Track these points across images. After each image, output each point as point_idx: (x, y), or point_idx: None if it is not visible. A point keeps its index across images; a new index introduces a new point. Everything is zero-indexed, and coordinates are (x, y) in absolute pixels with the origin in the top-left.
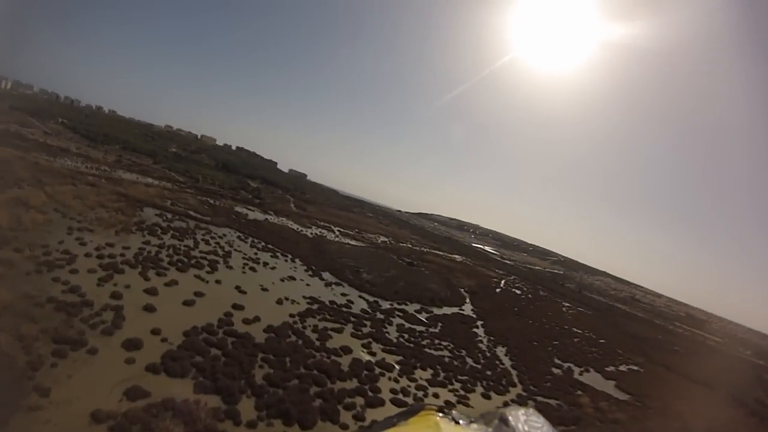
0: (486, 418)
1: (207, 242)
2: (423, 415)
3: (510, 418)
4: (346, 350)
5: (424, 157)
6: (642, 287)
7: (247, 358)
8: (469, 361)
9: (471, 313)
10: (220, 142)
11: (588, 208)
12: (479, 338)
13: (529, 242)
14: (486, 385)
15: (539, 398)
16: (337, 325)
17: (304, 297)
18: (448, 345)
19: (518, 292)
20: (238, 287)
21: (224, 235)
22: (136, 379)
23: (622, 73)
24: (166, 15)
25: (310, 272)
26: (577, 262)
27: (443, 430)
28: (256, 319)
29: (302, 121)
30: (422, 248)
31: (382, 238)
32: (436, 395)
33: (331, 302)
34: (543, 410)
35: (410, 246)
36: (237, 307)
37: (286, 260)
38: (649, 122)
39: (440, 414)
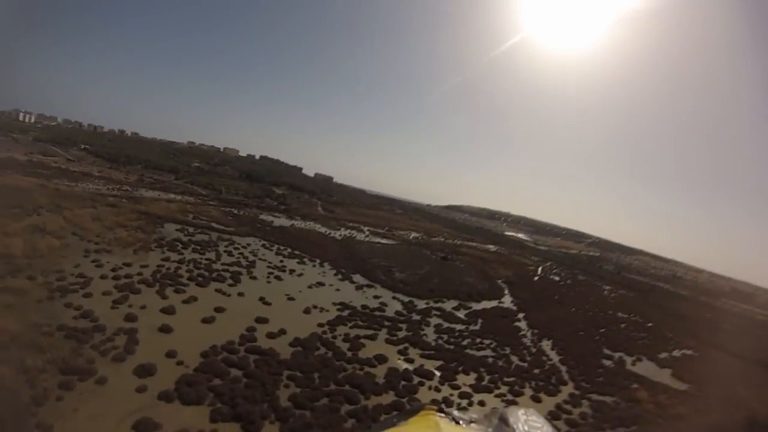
0: (486, 418)
1: (230, 253)
2: (423, 415)
3: (510, 418)
4: (381, 359)
5: (448, 150)
6: (681, 263)
7: (271, 378)
8: (515, 359)
9: (511, 306)
10: (243, 153)
11: (619, 186)
12: (522, 332)
13: (562, 226)
14: (535, 385)
15: (593, 396)
16: (371, 332)
17: (334, 303)
18: (491, 343)
19: (557, 278)
20: (262, 299)
21: (248, 244)
22: (148, 409)
23: (650, 39)
24: (181, 33)
25: (340, 276)
26: (612, 242)
27: (443, 430)
28: (282, 332)
29: (325, 124)
30: (455, 241)
31: (414, 234)
32: (482, 403)
33: (363, 307)
34: (599, 410)
35: (443, 240)
36: (261, 320)
37: (313, 265)
38: (686, 88)
39: (440, 414)
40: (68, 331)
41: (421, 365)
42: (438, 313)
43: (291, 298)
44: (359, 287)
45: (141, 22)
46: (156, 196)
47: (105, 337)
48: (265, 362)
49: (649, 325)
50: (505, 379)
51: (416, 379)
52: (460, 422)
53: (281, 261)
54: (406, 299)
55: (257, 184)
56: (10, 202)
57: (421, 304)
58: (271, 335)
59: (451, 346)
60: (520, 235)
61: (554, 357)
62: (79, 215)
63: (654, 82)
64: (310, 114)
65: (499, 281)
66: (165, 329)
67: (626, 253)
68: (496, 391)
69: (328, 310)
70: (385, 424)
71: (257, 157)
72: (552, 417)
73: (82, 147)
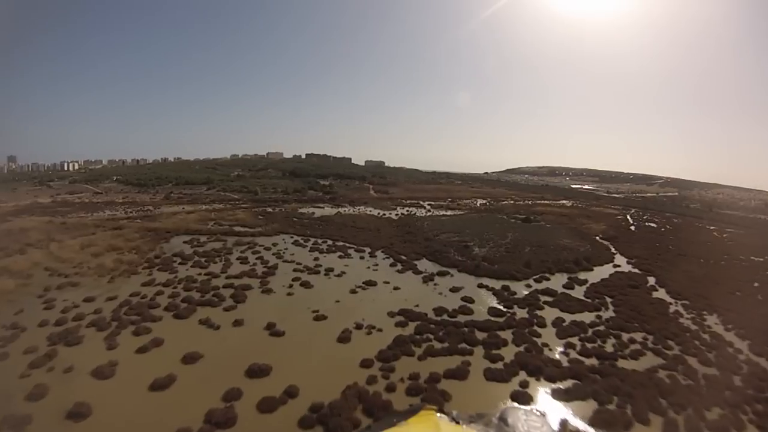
0: (486, 418)
1: (244, 260)
2: (423, 414)
3: (510, 417)
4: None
5: (495, 116)
6: (765, 191)
7: None
8: (693, 362)
9: (632, 268)
10: (288, 155)
11: (676, 121)
12: (671, 308)
13: (627, 172)
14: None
15: None
16: (455, 360)
17: (391, 314)
18: (644, 338)
19: (653, 225)
20: (270, 327)
21: (274, 245)
22: None
23: None
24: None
25: (399, 266)
26: (684, 180)
27: (443, 429)
28: (289, 394)
29: (371, 108)
30: (526, 201)
31: (480, 201)
32: None
33: (438, 311)
34: None
35: (513, 202)
36: (256, 372)
37: (361, 257)
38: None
39: (440, 414)
40: None
41: (564, 422)
42: (548, 298)
43: (320, 317)
44: (428, 278)
45: (178, 58)
46: (178, 210)
47: None
48: None
49: None
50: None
51: None
52: (460, 422)
53: (315, 259)
54: (498, 285)
55: (301, 179)
56: None
57: (520, 289)
58: (266, 405)
59: (594, 361)
60: (586, 187)
61: (741, 344)
62: (69, 246)
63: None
64: (354, 102)
65: (598, 238)
66: (77, 414)
67: (704, 188)
68: None
69: (380, 329)
70: (385, 424)
71: (303, 156)
72: None
73: (114, 179)
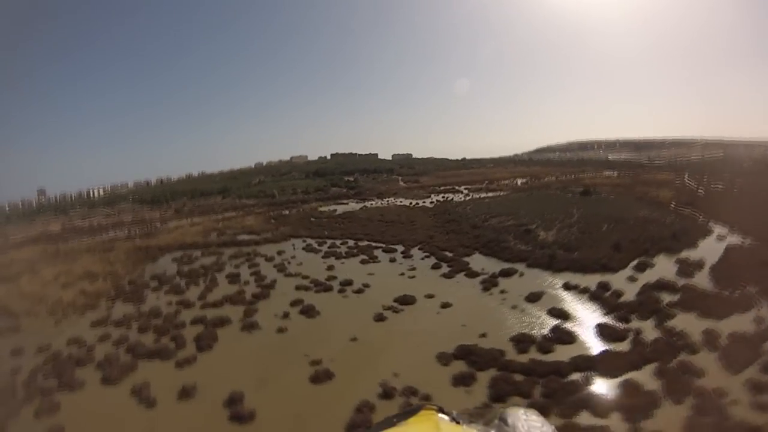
0: (486, 418)
1: (234, 278)
2: (423, 414)
3: (510, 418)
4: None
5: (516, 94)
6: None
7: None
8: None
9: (743, 239)
10: (313, 157)
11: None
12: None
13: (660, 138)
14: None
15: None
16: None
17: (443, 357)
18: None
19: (719, 186)
20: (234, 401)
21: (279, 253)
22: None
23: None
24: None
25: (445, 267)
26: (725, 140)
27: (443, 430)
28: None
29: (395, 101)
30: (567, 176)
31: (520, 180)
32: None
33: (519, 343)
34: None
35: (555, 178)
36: None
37: (392, 259)
38: None
39: (440, 414)
40: None
41: None
42: (671, 296)
43: (321, 375)
44: (488, 282)
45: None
46: (184, 224)
47: None
48: None
49: None
50: None
51: None
52: (460, 422)
53: (329, 268)
54: (590, 282)
55: (324, 178)
56: None
57: (623, 285)
58: None
59: None
60: (623, 157)
61: None
62: (42, 277)
63: None
64: (377, 96)
65: (672, 206)
66: None
67: (748, 147)
68: None
69: (427, 394)
70: (385, 424)
71: (328, 156)
72: None
73: (131, 199)
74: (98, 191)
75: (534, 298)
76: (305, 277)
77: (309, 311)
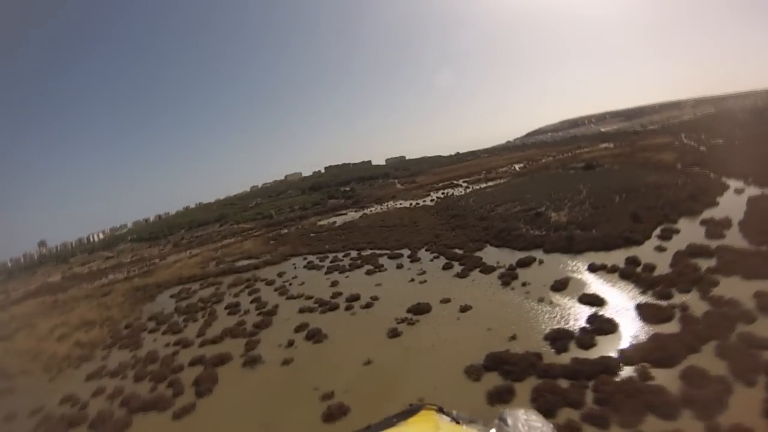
0: (486, 418)
1: (234, 308)
2: (423, 414)
3: (509, 418)
4: None
5: (499, 81)
6: None
7: None
8: None
9: (762, 189)
10: (308, 173)
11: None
12: None
13: (651, 103)
14: None
15: None
16: None
17: (472, 371)
18: None
19: (720, 141)
20: None
21: (280, 274)
22: None
23: None
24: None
25: (457, 266)
26: (714, 96)
27: (443, 430)
28: None
29: (383, 107)
30: (565, 155)
31: (518, 166)
32: None
33: (555, 340)
34: None
35: (553, 158)
36: None
37: (399, 266)
38: None
39: (440, 414)
40: None
41: None
42: (707, 261)
43: (334, 410)
44: (507, 276)
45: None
46: (183, 257)
47: None
48: None
49: None
50: None
51: None
52: (460, 422)
53: (333, 285)
54: (617, 258)
55: (321, 191)
56: None
57: (653, 257)
58: None
59: None
60: (616, 127)
61: None
62: (38, 331)
63: None
64: (364, 104)
65: (678, 167)
66: None
67: (739, 99)
68: None
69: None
70: (385, 424)
71: (322, 170)
72: None
73: (129, 239)
74: (98, 236)
75: (560, 286)
76: (309, 298)
77: (315, 335)
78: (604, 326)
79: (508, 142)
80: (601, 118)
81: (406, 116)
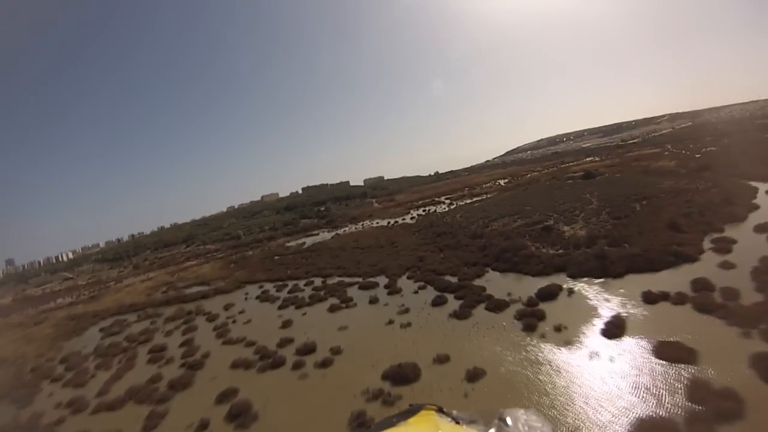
0: (486, 418)
1: (158, 353)
2: (423, 414)
3: (509, 418)
4: None
5: (477, 103)
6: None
7: None
8: None
9: None
10: (285, 194)
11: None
12: None
13: (626, 120)
14: None
15: None
16: None
17: None
18: None
19: (713, 149)
20: None
21: (228, 306)
22: None
23: None
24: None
25: (452, 301)
26: (684, 112)
27: (443, 430)
28: None
29: (359, 127)
30: (549, 169)
31: (502, 181)
32: None
33: None
34: None
35: (538, 173)
36: None
37: (372, 300)
38: None
39: (440, 414)
40: None
41: None
42: None
43: None
44: (527, 318)
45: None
46: (137, 281)
47: None
48: None
49: None
50: None
51: None
52: (460, 422)
53: (285, 325)
54: (678, 283)
55: (294, 211)
56: None
57: (732, 280)
58: None
59: None
60: (596, 142)
61: None
62: None
63: None
64: (344, 126)
65: (684, 172)
66: None
67: (713, 112)
68: None
69: None
70: (385, 424)
71: (299, 191)
72: None
73: (93, 260)
74: (68, 255)
75: (614, 331)
76: (250, 344)
77: (241, 415)
78: (721, 406)
79: (488, 161)
80: (579, 135)
81: (386, 138)
